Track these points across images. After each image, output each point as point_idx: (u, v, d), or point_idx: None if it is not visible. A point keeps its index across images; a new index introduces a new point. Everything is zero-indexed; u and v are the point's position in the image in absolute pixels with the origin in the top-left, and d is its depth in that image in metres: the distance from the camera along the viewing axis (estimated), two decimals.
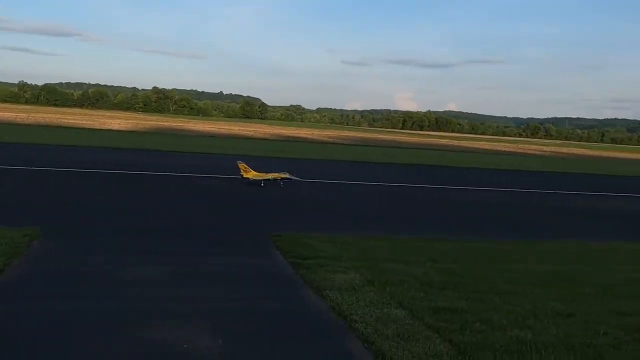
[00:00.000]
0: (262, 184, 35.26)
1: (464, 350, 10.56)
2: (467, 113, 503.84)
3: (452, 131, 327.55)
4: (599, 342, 11.34)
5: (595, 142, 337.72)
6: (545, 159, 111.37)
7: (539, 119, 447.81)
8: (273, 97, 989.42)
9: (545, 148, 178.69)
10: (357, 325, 11.58)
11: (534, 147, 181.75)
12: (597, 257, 19.95)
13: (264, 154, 63.58)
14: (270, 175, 36.25)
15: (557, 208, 35.22)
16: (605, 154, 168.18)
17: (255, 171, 36.36)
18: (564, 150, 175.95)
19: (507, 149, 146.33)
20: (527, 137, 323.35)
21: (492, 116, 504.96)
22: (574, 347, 11.00)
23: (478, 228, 25.58)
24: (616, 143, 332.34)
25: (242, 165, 36.22)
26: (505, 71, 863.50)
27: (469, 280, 15.43)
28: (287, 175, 36.58)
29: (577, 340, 11.34)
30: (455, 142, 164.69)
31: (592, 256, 20.13)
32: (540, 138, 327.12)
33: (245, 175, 35.79)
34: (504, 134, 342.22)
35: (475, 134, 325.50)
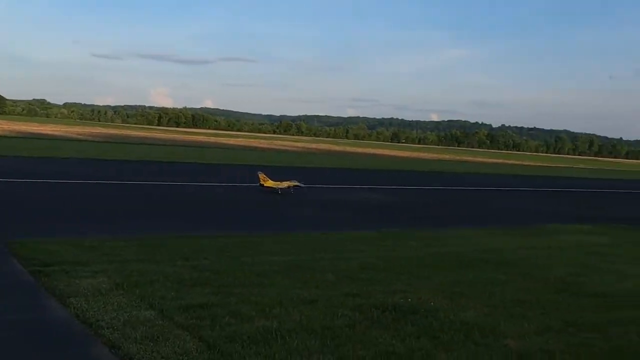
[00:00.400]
0: (280, 192, 39.72)
1: (213, 345, 10.76)
2: (223, 110, 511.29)
3: (209, 128, 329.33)
4: (336, 324, 12.36)
5: (340, 138, 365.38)
6: (298, 154, 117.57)
7: (291, 116, 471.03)
8: (13, 90, 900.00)
9: (297, 144, 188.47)
10: (103, 331, 11.13)
11: (287, 143, 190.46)
12: (338, 246, 21.59)
13: (3, 152, 57.71)
14: (285, 184, 40.85)
15: (307, 201, 37.40)
16: (349, 149, 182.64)
17: (272, 180, 40.93)
18: (314, 146, 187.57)
19: (262, 145, 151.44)
20: (281, 134, 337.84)
21: (247, 113, 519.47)
22: (315, 330, 11.85)
23: (226, 223, 26.11)
24: (358, 139, 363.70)
25: (262, 175, 41.16)
26: (260, 69, 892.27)
27: (221, 275, 15.71)
28: (297, 183, 41.37)
29: (317, 324, 12.22)
30: (213, 139, 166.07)
31: (333, 245, 21.73)
32: (293, 135, 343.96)
33: (266, 184, 40.34)
34: (260, 131, 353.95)
35: (232, 130, 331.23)
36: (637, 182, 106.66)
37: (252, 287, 14.75)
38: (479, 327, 12.88)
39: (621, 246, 26.18)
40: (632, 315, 14.58)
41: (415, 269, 18.29)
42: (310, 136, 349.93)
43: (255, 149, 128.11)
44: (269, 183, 40.43)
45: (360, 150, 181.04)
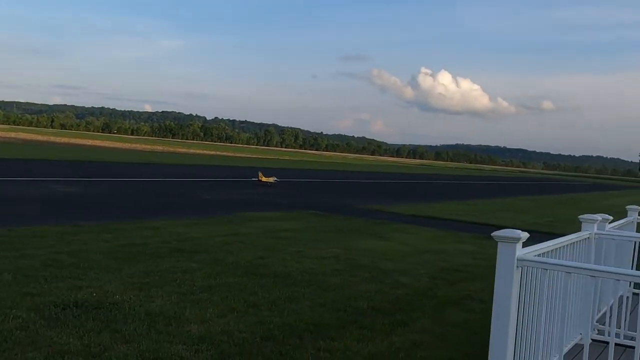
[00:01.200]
0: (270, 185, 53.53)
1: None
2: None
3: None
4: (6, 327, 11.51)
5: (45, 127, 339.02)
6: None
7: None
8: None
9: None
10: None
11: None
12: (22, 243, 19.96)
13: None
14: (271, 179, 55.02)
15: None
16: (55, 139, 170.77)
17: (265, 177, 54.97)
18: (13, 135, 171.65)
19: None
20: None
21: None
22: None
23: None
24: (66, 128, 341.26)
25: (260, 174, 55.59)
26: None
27: None
28: (275, 178, 55.75)
29: None
30: None
31: (17, 242, 20.02)
32: None
33: (263, 180, 54.43)
34: None
35: None
36: (333, 172, 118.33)
37: None
38: (164, 315, 13.08)
39: (308, 231, 28.72)
40: (305, 291, 16.17)
41: (105, 263, 17.78)
42: (8, 124, 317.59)
43: None
44: (264, 179, 54.41)
45: (67, 140, 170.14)
